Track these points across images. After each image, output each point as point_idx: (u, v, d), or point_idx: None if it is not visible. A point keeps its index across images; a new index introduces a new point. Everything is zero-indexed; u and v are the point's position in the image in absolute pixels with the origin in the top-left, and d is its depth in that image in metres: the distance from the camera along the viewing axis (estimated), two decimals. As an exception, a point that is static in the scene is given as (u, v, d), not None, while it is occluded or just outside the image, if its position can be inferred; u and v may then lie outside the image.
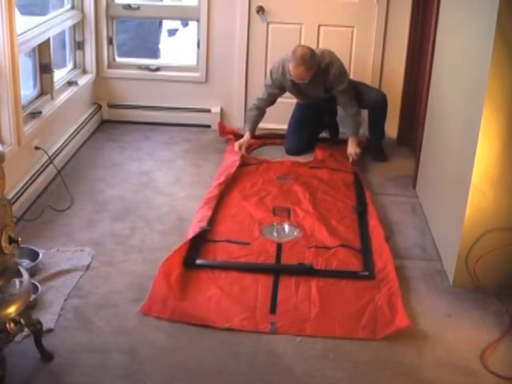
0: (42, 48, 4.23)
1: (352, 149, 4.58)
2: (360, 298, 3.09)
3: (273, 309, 3.00)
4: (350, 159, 4.56)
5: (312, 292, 3.12)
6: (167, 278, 3.08)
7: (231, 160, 4.58)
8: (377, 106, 4.74)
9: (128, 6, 5.13)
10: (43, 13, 4.55)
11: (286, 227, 3.76)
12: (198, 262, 3.32)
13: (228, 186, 4.18)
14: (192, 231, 3.52)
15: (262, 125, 5.13)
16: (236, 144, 4.67)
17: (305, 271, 3.27)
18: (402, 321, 2.89)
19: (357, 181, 4.36)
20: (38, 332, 2.59)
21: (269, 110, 4.84)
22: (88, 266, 3.29)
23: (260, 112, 4.73)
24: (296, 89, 4.65)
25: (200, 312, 2.95)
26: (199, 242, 3.48)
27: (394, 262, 3.38)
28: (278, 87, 4.65)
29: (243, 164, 4.53)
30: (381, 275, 3.26)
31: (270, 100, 4.71)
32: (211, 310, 2.98)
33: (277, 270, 3.31)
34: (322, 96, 4.66)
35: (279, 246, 3.54)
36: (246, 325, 2.88)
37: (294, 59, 4.34)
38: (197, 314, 2.93)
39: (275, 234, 3.69)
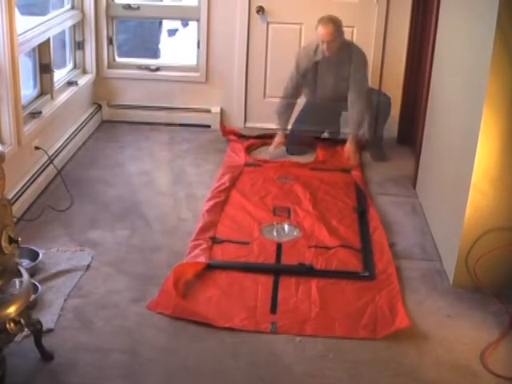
0: (42, 48, 4.23)
1: (350, 146, 4.67)
2: (360, 298, 3.08)
3: (273, 309, 3.00)
4: (347, 155, 4.64)
5: (312, 292, 3.12)
6: (176, 281, 3.08)
7: (234, 160, 4.57)
8: (381, 109, 4.75)
9: (128, 6, 5.13)
10: (43, 13, 4.55)
11: (286, 227, 3.75)
12: (211, 262, 3.32)
13: (229, 186, 4.19)
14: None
15: (262, 125, 5.15)
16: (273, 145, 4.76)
17: (305, 271, 3.27)
18: (403, 322, 2.89)
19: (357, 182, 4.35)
20: (37, 332, 2.59)
21: (270, 109, 4.85)
22: (88, 266, 3.29)
23: (291, 105, 4.78)
24: (317, 74, 4.70)
25: (201, 310, 2.95)
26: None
27: (395, 263, 3.39)
28: (301, 75, 4.69)
29: (244, 164, 4.55)
30: (382, 276, 3.26)
31: (297, 89, 4.76)
32: (212, 309, 2.97)
33: (277, 270, 3.30)
34: (340, 86, 4.68)
35: (279, 246, 3.53)
36: (246, 324, 2.88)
37: (322, 20, 4.49)
38: (198, 311, 2.94)
39: (275, 233, 3.68)
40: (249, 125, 5.23)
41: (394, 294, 3.11)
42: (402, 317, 2.93)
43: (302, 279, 3.21)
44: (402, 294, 3.15)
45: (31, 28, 4.00)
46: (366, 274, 3.27)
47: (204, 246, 3.44)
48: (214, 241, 3.52)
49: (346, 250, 3.48)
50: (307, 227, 3.72)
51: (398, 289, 3.15)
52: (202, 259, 3.31)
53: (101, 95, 5.27)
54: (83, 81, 4.91)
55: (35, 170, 4.01)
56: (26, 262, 3.16)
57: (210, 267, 3.27)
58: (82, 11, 4.93)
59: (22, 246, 2.73)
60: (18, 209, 3.66)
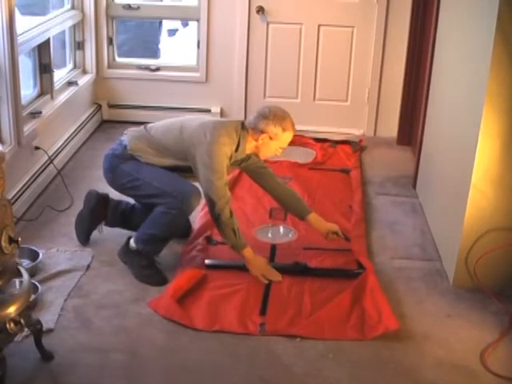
0: (42, 48, 4.23)
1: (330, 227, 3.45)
2: (349, 300, 3.02)
3: (263, 310, 2.97)
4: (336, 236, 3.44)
5: (303, 294, 3.09)
6: (176, 287, 3.07)
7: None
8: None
9: (128, 6, 5.14)
10: (43, 13, 4.55)
11: (281, 229, 3.72)
12: (207, 262, 3.32)
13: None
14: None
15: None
16: None
17: (300, 270, 3.25)
18: (390, 321, 2.85)
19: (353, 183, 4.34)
20: (37, 332, 2.59)
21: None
22: (88, 266, 3.29)
23: None
24: None
25: (191, 314, 2.93)
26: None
27: (395, 262, 3.40)
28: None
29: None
30: (362, 275, 3.21)
31: None
32: (202, 311, 2.94)
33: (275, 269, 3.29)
34: None
35: (273, 248, 3.51)
36: (235, 326, 2.85)
37: (290, 121, 3.21)
38: (188, 314, 2.92)
39: (270, 235, 3.65)
40: (249, 125, 5.22)
41: (377, 295, 3.04)
42: (389, 318, 2.88)
43: (295, 281, 3.19)
44: (403, 294, 3.15)
45: (31, 28, 4.01)
46: (361, 271, 3.23)
47: (200, 246, 3.44)
48: (210, 242, 3.51)
49: (340, 251, 3.46)
50: (303, 229, 3.68)
51: (377, 284, 3.11)
52: (199, 260, 3.32)
53: (101, 95, 5.27)
54: (83, 81, 4.91)
55: (35, 170, 4.01)
56: (26, 262, 3.16)
57: (206, 268, 3.27)
58: (82, 11, 4.94)
59: (22, 246, 2.73)
60: (18, 209, 3.66)
